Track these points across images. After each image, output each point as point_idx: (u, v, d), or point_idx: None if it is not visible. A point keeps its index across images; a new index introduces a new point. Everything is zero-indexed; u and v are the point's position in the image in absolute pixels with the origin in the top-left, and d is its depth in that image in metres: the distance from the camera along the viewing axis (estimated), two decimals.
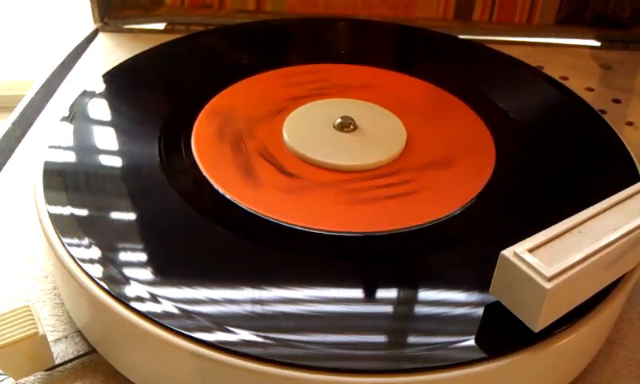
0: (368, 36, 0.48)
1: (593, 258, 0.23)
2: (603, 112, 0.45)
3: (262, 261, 0.26)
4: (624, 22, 0.58)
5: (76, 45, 0.51)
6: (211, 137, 0.34)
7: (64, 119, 0.34)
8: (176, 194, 0.29)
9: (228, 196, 0.29)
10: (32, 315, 0.24)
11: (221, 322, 0.23)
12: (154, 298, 0.23)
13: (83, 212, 0.28)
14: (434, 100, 0.39)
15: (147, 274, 0.25)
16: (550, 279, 0.21)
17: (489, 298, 0.24)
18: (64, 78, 0.47)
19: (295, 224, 0.28)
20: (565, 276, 0.22)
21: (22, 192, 0.35)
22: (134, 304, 0.23)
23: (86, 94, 0.36)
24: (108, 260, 0.25)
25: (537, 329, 0.22)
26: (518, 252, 0.22)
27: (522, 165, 0.33)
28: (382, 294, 0.25)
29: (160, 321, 0.22)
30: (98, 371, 0.26)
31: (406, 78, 0.41)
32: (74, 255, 0.25)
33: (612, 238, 0.23)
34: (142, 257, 0.26)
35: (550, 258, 0.22)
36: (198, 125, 0.35)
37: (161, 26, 0.56)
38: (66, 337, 0.27)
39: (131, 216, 0.28)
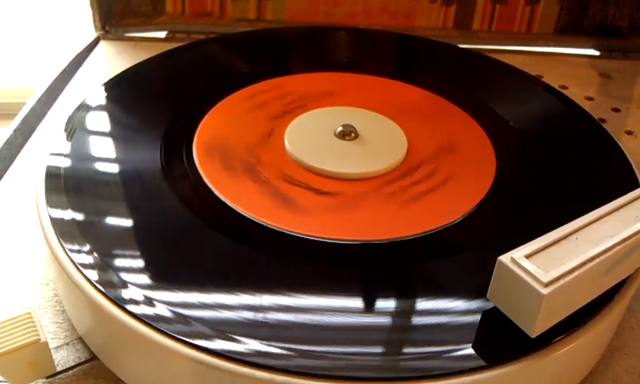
0: (368, 45, 0.48)
1: (589, 265, 0.23)
2: (603, 121, 0.45)
3: (265, 268, 0.26)
4: (623, 31, 0.58)
5: (77, 52, 0.52)
6: (213, 144, 0.34)
7: (65, 127, 0.34)
8: (178, 201, 0.29)
9: (229, 203, 0.30)
10: (34, 322, 0.24)
11: (223, 330, 0.23)
12: (156, 306, 0.24)
13: (85, 219, 0.28)
14: (434, 108, 0.39)
15: (148, 281, 0.25)
16: (546, 285, 0.21)
17: (487, 304, 0.24)
18: (65, 86, 0.47)
19: (293, 230, 0.28)
20: (561, 282, 0.22)
21: (23, 199, 0.35)
22: (135, 311, 0.23)
23: (88, 102, 0.36)
24: (109, 267, 0.25)
25: (533, 334, 0.22)
26: (516, 258, 0.23)
27: (521, 173, 0.33)
28: (379, 301, 0.25)
29: (162, 328, 0.23)
30: (99, 378, 0.26)
31: (405, 86, 0.41)
32: (75, 262, 0.25)
33: (608, 244, 0.24)
34: (144, 264, 0.26)
35: (546, 264, 0.22)
36: (200, 132, 0.35)
37: (162, 34, 0.56)
38: (67, 344, 0.27)
39: (132, 224, 0.28)
